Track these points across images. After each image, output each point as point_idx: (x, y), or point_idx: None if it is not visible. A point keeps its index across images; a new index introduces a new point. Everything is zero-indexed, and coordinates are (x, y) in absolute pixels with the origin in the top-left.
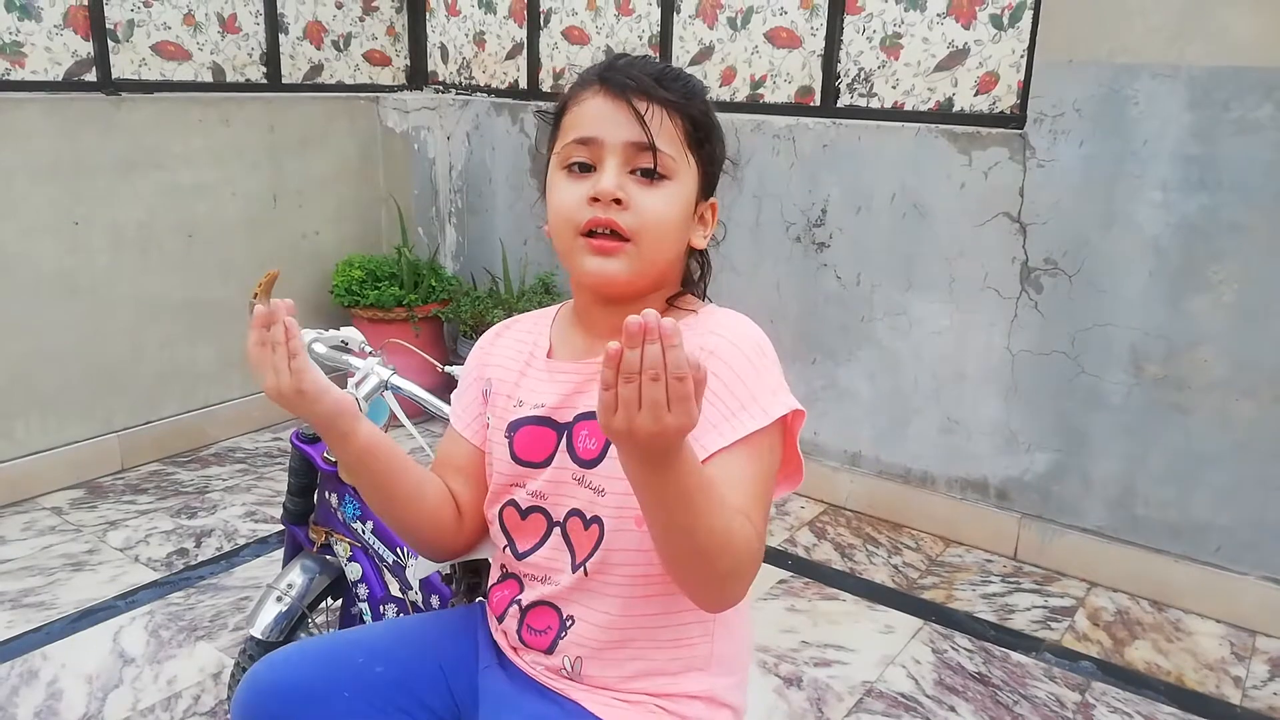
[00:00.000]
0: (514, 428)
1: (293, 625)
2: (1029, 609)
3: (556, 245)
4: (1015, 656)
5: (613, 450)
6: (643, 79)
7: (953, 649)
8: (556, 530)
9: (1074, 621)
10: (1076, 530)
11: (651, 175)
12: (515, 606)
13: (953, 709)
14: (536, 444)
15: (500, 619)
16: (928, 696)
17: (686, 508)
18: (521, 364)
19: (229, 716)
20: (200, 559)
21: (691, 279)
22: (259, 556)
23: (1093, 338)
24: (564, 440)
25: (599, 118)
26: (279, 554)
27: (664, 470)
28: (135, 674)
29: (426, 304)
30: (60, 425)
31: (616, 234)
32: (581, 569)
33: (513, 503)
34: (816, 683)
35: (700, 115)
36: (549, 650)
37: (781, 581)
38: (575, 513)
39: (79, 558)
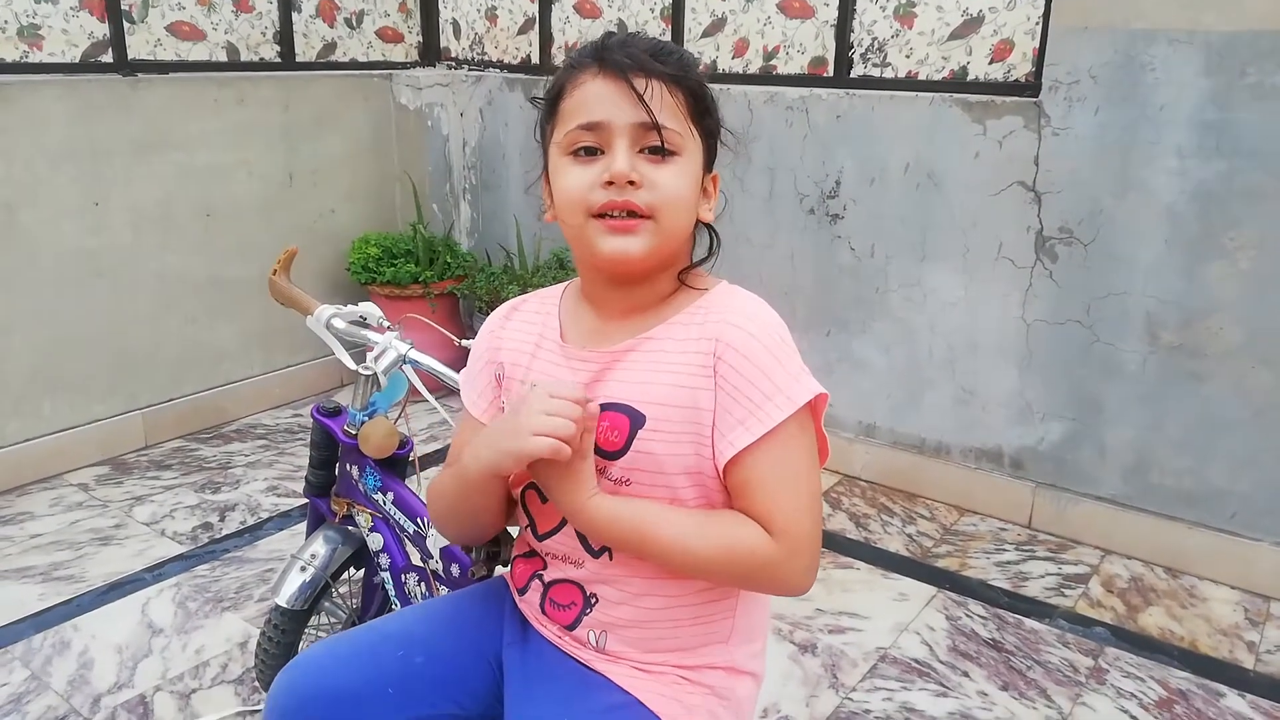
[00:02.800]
0: None
1: (317, 594)
2: (1043, 576)
3: (566, 230)
4: (1029, 623)
5: (637, 442)
6: (639, 56)
7: (966, 616)
8: None
9: (1088, 588)
10: (1091, 498)
11: (660, 152)
12: (537, 581)
13: (966, 674)
14: None
15: (522, 591)
16: (941, 662)
17: (637, 546)
18: (532, 346)
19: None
20: (224, 532)
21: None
22: (282, 530)
23: (1108, 306)
24: None
25: (601, 100)
26: (302, 527)
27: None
28: (164, 644)
29: (442, 280)
30: (85, 404)
31: (634, 213)
32: (606, 553)
33: (535, 486)
34: (831, 649)
35: (698, 87)
36: (573, 625)
37: None
38: None
39: (106, 532)
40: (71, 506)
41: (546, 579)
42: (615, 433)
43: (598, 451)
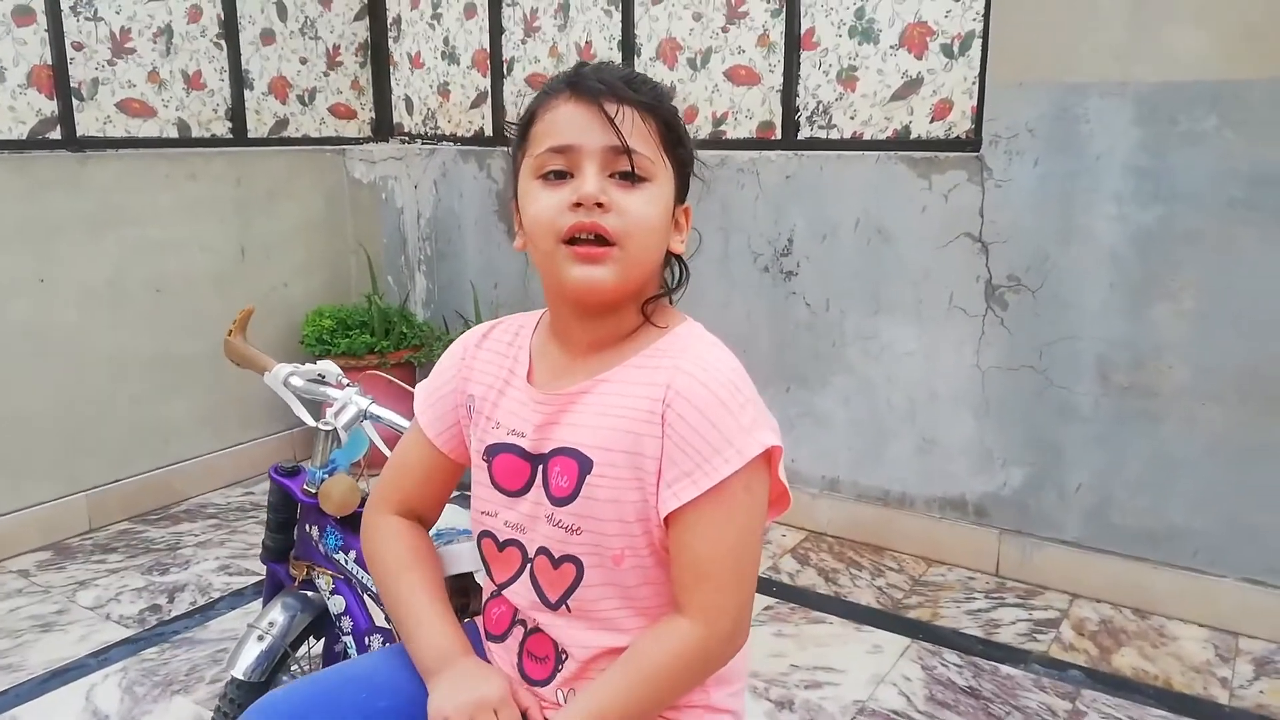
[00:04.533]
0: (492, 452)
1: (275, 665)
2: (1014, 623)
3: (536, 256)
4: (1004, 669)
5: (586, 488)
6: (613, 82)
7: (942, 665)
8: (528, 569)
9: (1059, 632)
10: (1056, 543)
11: (631, 178)
12: (519, 628)
13: None
14: (513, 472)
15: (501, 638)
16: (920, 712)
17: None
18: (501, 382)
19: None
20: (174, 614)
21: (667, 286)
22: (235, 609)
23: (1059, 351)
24: (539, 474)
25: (572, 124)
26: (255, 605)
27: None
28: None
29: (398, 350)
30: (27, 487)
31: (602, 239)
32: (564, 606)
33: (490, 534)
34: (809, 704)
35: (671, 116)
36: (544, 683)
37: (767, 608)
38: (543, 551)
39: (48, 618)
40: (10, 594)
41: (529, 625)
42: (565, 478)
43: (549, 497)
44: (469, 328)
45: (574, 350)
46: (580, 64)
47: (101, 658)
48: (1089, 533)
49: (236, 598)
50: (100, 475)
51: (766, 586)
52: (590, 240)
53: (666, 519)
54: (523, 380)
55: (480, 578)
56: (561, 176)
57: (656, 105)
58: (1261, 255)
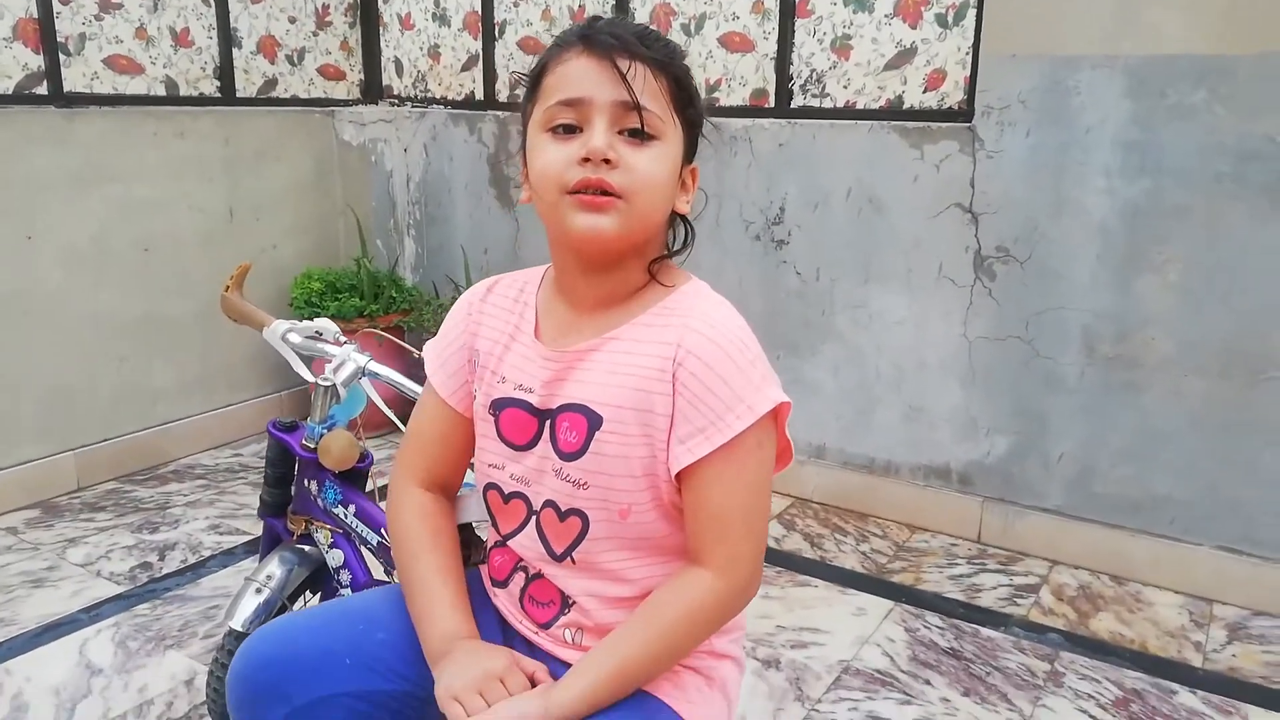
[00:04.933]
0: (499, 406)
1: (273, 617)
2: (995, 588)
3: (540, 207)
4: (985, 632)
5: (595, 444)
6: (626, 37)
7: (924, 627)
8: (533, 520)
9: (1039, 597)
10: (1038, 511)
11: (640, 135)
12: (521, 574)
13: (928, 682)
14: (520, 427)
15: (503, 583)
16: (903, 672)
17: (631, 685)
18: (507, 337)
19: (226, 693)
20: (165, 572)
21: (669, 247)
22: (226, 567)
23: (1046, 321)
24: (546, 429)
25: (584, 78)
26: (247, 563)
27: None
28: (104, 684)
29: (388, 314)
30: (14, 446)
31: (606, 192)
32: (568, 557)
33: (496, 486)
34: (795, 664)
35: (683, 75)
36: (548, 625)
37: None
38: (550, 504)
39: (38, 574)
40: (0, 550)
41: (530, 571)
42: (574, 434)
43: (556, 452)
44: (460, 292)
45: (580, 306)
46: (594, 17)
47: (93, 613)
48: (1070, 501)
49: (228, 556)
50: (88, 435)
51: None
52: (595, 193)
53: (679, 475)
54: (530, 336)
55: (481, 530)
56: (570, 130)
57: (669, 63)
58: (1247, 231)
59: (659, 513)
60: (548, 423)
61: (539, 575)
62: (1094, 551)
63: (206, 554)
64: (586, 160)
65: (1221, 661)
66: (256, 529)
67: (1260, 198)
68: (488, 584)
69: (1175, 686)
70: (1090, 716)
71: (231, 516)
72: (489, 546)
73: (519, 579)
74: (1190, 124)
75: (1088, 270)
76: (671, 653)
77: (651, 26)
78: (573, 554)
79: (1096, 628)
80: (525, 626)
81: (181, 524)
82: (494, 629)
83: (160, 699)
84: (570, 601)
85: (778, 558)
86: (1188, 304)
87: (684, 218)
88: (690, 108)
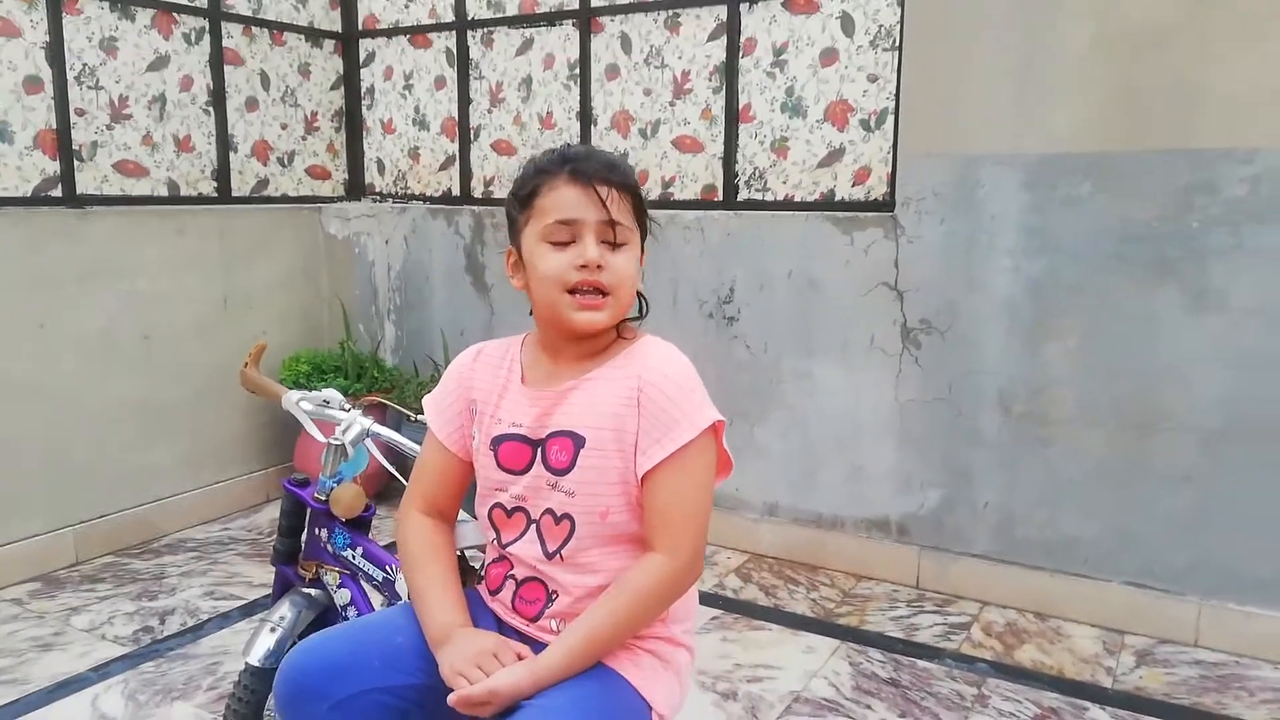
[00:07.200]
0: (497, 442)
1: (284, 654)
2: (931, 626)
3: (541, 298)
4: (921, 663)
5: (580, 459)
6: (601, 169)
7: (867, 661)
8: (533, 527)
9: (970, 634)
10: (968, 556)
11: (615, 243)
12: (511, 581)
13: (869, 707)
14: (516, 456)
15: (496, 591)
16: (847, 699)
17: (601, 651)
18: (500, 387)
19: (271, 699)
20: (166, 633)
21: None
22: (223, 629)
23: (966, 385)
24: (539, 454)
25: (575, 204)
26: (244, 625)
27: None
28: None
29: (370, 393)
30: (17, 522)
31: (598, 290)
32: (558, 555)
33: (499, 505)
34: (750, 695)
35: (638, 192)
36: (536, 618)
37: (714, 618)
38: (548, 511)
39: (46, 639)
40: (7, 619)
41: (519, 577)
42: (564, 454)
43: (548, 470)
44: (440, 371)
45: (562, 360)
46: (567, 147)
47: (102, 671)
48: (996, 546)
49: (224, 619)
50: (87, 511)
51: (713, 601)
52: (590, 292)
53: (643, 477)
54: (519, 384)
55: (474, 560)
56: (563, 242)
57: (631, 185)
58: (1134, 302)
59: (631, 513)
60: (539, 448)
61: (527, 579)
62: (1019, 591)
63: (204, 617)
64: (583, 267)
65: (1129, 682)
66: (251, 594)
67: (1145, 273)
68: (485, 595)
69: (1088, 704)
70: None
71: (226, 584)
72: (487, 562)
73: (510, 585)
74: (1078, 212)
75: (1000, 339)
76: (632, 622)
77: (613, 154)
78: (561, 552)
79: (1020, 657)
80: (517, 622)
81: (179, 591)
82: (492, 628)
83: None
84: (554, 595)
85: (735, 605)
86: (1087, 366)
87: (639, 293)
88: (645, 215)
